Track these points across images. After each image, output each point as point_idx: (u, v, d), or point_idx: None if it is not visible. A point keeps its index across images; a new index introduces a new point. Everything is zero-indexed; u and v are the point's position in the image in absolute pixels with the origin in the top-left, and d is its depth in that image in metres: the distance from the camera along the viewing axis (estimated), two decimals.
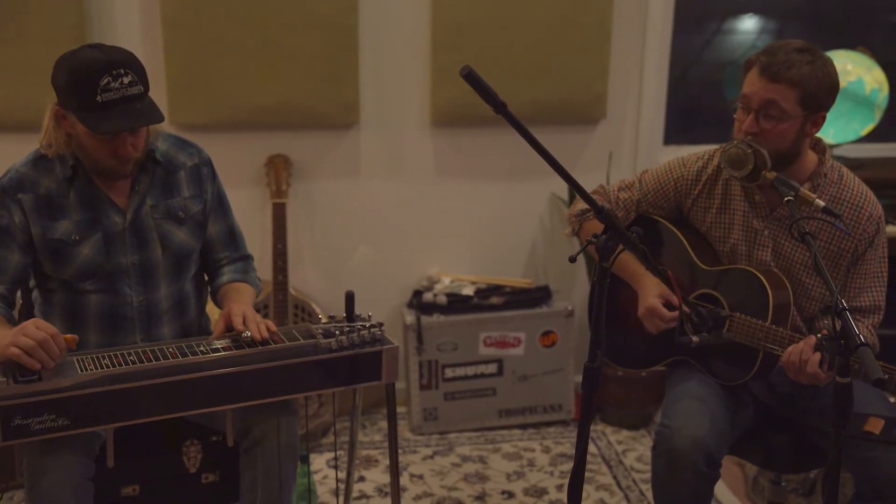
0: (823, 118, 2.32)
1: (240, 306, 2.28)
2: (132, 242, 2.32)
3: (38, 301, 2.40)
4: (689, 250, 2.54)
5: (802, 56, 2.23)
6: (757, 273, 2.39)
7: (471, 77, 1.63)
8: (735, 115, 2.34)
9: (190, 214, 2.41)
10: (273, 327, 2.24)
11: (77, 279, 2.30)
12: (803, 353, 2.18)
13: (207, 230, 2.47)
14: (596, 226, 2.62)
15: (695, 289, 2.52)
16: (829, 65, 2.27)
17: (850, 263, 2.40)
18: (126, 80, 2.11)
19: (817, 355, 2.17)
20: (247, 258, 2.58)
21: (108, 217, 2.30)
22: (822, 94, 2.27)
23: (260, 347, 2.17)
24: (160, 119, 2.19)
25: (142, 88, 2.15)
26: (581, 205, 2.69)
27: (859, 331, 1.78)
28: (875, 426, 2.17)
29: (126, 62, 2.12)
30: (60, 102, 2.17)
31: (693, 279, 2.52)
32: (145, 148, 2.29)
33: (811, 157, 2.40)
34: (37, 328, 2.03)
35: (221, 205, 2.51)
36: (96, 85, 2.08)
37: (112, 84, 2.09)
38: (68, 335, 2.11)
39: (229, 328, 2.24)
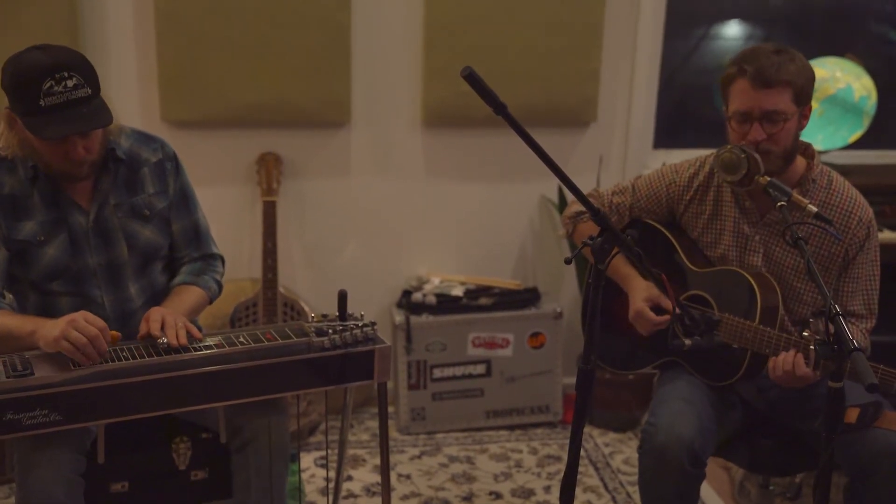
0: (811, 109, 2.37)
1: (159, 311, 2.20)
2: (97, 243, 2.28)
3: (13, 303, 2.36)
4: (680, 252, 2.56)
5: (782, 56, 2.28)
6: (746, 275, 2.41)
7: (472, 78, 1.63)
8: (731, 127, 2.35)
9: (155, 212, 2.36)
10: (196, 332, 2.17)
11: (44, 280, 2.26)
12: (791, 358, 2.23)
13: (171, 227, 2.41)
14: (590, 228, 2.64)
15: (685, 290, 2.53)
16: (803, 58, 2.33)
17: (841, 268, 2.42)
18: (70, 83, 2.04)
19: (800, 356, 2.22)
20: (209, 258, 2.50)
21: (73, 217, 2.26)
22: (808, 87, 2.33)
23: (180, 354, 2.09)
24: (108, 122, 2.13)
25: (89, 91, 2.08)
26: (576, 207, 2.70)
27: (853, 335, 1.80)
28: (851, 416, 2.22)
29: (71, 65, 2.05)
30: (10, 106, 2.11)
31: (683, 280, 2.54)
32: (102, 148, 2.23)
33: (800, 162, 2.42)
34: (87, 322, 2.01)
35: (185, 201, 2.44)
36: (39, 89, 2.01)
37: (55, 88, 2.02)
38: (114, 331, 2.09)
39: (147, 333, 2.15)
